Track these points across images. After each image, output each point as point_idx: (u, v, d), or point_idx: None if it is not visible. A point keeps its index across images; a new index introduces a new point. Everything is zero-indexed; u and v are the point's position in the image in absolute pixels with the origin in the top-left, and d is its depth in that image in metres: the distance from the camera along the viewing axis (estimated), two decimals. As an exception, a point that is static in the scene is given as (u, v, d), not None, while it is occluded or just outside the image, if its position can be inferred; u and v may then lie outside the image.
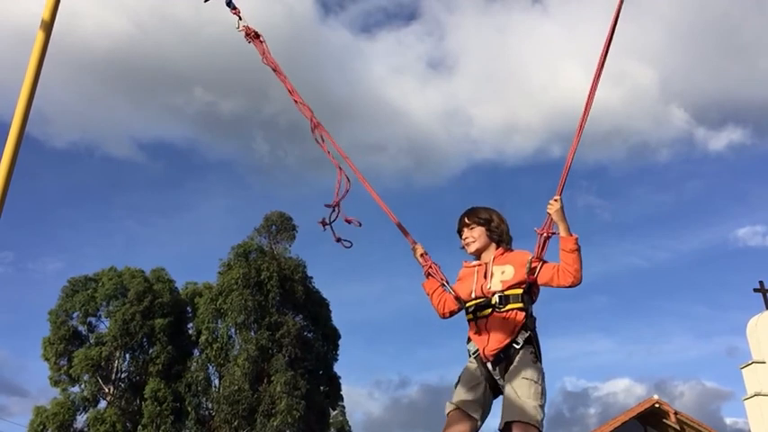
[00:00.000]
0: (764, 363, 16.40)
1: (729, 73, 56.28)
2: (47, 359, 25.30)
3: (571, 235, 3.44)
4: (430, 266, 3.74)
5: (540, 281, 3.52)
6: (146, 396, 24.42)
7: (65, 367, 25.07)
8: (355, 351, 54.09)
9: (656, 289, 59.37)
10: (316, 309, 27.51)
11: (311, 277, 28.11)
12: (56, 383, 25.22)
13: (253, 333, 25.59)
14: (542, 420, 3.25)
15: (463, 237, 3.79)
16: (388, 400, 46.76)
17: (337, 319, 28.41)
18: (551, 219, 3.49)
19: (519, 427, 3.20)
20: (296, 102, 4.10)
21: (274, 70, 4.15)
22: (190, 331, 27.02)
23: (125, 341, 25.09)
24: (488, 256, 3.68)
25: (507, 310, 3.44)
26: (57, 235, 49.40)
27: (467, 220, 3.78)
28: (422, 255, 3.78)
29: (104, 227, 47.74)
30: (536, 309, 3.59)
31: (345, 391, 28.75)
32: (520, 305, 3.45)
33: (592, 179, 56.23)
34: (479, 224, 3.74)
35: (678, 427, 18.67)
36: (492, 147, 62.38)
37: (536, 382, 3.31)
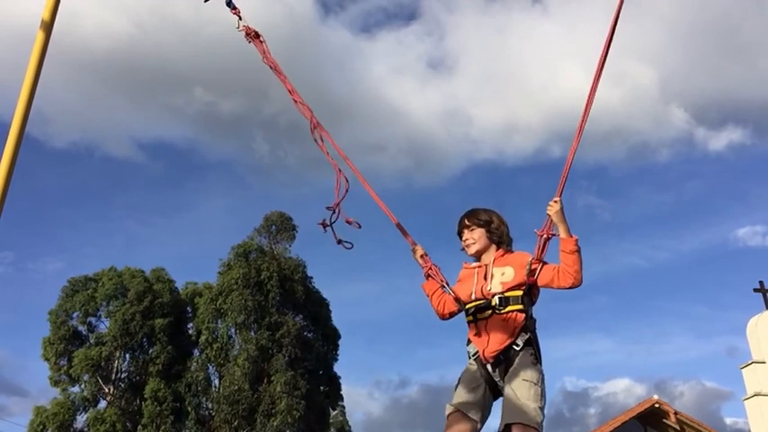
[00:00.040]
0: (764, 363, 16.40)
1: (729, 73, 56.33)
2: (47, 359, 25.31)
3: (571, 236, 3.43)
4: (430, 268, 3.74)
5: (540, 282, 3.51)
6: (146, 396, 24.42)
7: (65, 367, 25.07)
8: (355, 351, 54.13)
9: (656, 289, 59.42)
10: (316, 309, 27.51)
11: (311, 277, 28.16)
12: (56, 383, 25.22)
13: (253, 333, 25.59)
14: (542, 422, 3.25)
15: (463, 238, 3.78)
16: (388, 400, 46.80)
17: (337, 319, 28.46)
18: (551, 220, 3.48)
19: (519, 429, 3.20)
20: (295, 101, 4.10)
21: (274, 70, 4.14)
22: (190, 331, 27.02)
23: (125, 341, 25.09)
24: (488, 257, 3.68)
25: (507, 312, 3.44)
26: (57, 235, 49.46)
27: (467, 222, 3.78)
28: (422, 256, 3.78)
29: (104, 227, 47.80)
30: (536, 309, 3.59)
31: (345, 391, 28.80)
32: (520, 307, 3.44)
33: (592, 179, 56.30)
34: (479, 226, 3.73)
35: (678, 427, 18.67)
36: (492, 147, 62.45)
37: (536, 384, 3.31)
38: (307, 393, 24.76)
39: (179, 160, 51.67)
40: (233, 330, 26.07)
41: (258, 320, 25.68)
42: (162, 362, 25.06)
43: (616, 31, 3.61)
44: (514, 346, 3.39)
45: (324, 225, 3.84)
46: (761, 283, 17.35)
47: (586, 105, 3.60)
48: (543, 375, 3.39)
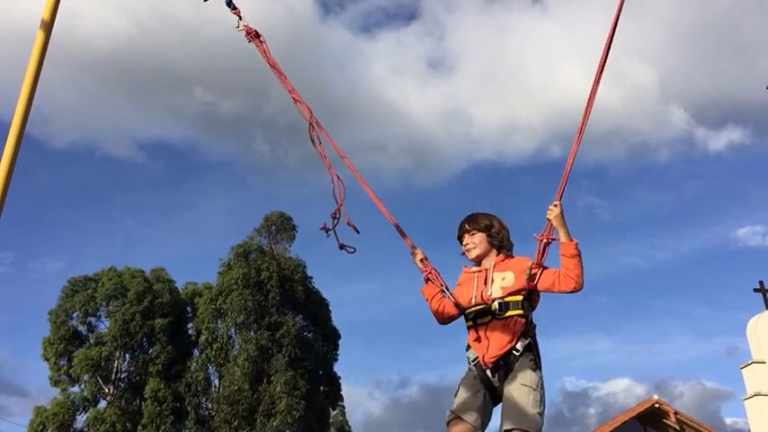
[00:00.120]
0: (764, 363, 16.40)
1: (729, 73, 56.34)
2: (47, 359, 25.30)
3: (571, 240, 3.41)
4: (429, 272, 3.71)
5: (540, 287, 3.49)
6: (146, 396, 24.41)
7: (65, 367, 25.06)
8: (355, 351, 54.15)
9: (656, 289, 59.47)
10: (316, 309, 27.50)
11: (311, 277, 28.15)
12: (56, 383, 25.22)
13: (253, 333, 25.58)
14: (542, 428, 3.25)
15: (464, 243, 3.76)
16: (388, 400, 46.83)
17: (337, 319, 28.45)
18: (551, 224, 3.46)
19: (518, 434, 3.19)
20: (295, 101, 4.09)
21: (273, 68, 4.14)
22: (190, 331, 27.01)
23: (125, 341, 25.08)
24: (489, 262, 3.66)
25: (507, 317, 3.42)
26: (57, 235, 49.49)
27: (467, 227, 3.76)
28: (421, 260, 3.76)
29: (104, 227, 47.81)
30: (536, 311, 3.57)
31: (345, 391, 28.80)
32: (520, 312, 3.42)
33: (592, 179, 56.35)
34: (480, 230, 3.71)
35: (678, 427, 18.67)
36: (492, 147, 62.49)
37: (535, 390, 3.30)
38: (307, 393, 24.76)
39: (179, 160, 51.75)
40: (233, 330, 26.07)
41: (258, 320, 25.67)
42: (162, 362, 25.05)
43: (616, 32, 3.60)
44: (514, 352, 3.37)
45: (326, 230, 3.83)
46: (761, 283, 17.35)
47: (586, 108, 3.59)
48: (543, 380, 3.38)
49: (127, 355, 26.02)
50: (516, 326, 3.40)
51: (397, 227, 3.86)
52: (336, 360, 27.94)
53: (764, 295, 17.14)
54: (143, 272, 27.14)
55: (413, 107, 58.84)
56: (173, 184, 53.64)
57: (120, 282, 26.48)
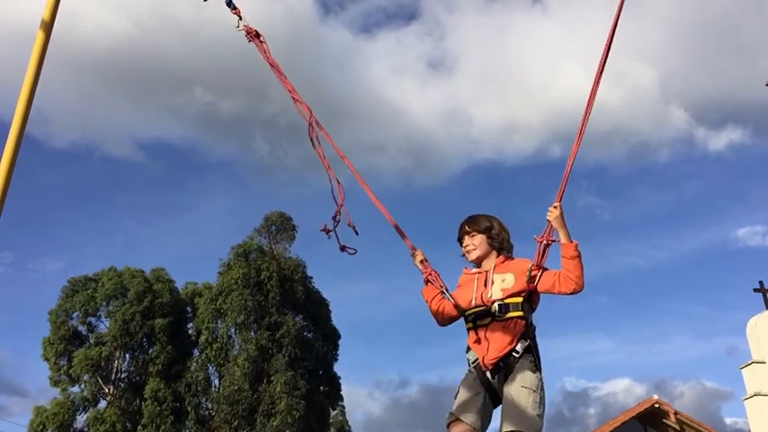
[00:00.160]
0: (764, 363, 16.39)
1: (729, 73, 56.36)
2: (47, 359, 25.30)
3: (571, 241, 3.41)
4: (429, 273, 3.70)
5: (540, 288, 3.48)
6: (146, 396, 24.41)
7: (65, 367, 25.06)
8: (355, 351, 54.17)
9: (656, 289, 59.49)
10: (316, 309, 27.50)
11: (311, 277, 28.15)
12: (56, 383, 25.22)
13: (253, 333, 25.58)
14: (542, 429, 3.25)
15: (464, 245, 3.76)
16: (388, 400, 46.86)
17: (337, 319, 28.46)
18: (551, 226, 3.45)
19: (518, 436, 3.19)
20: (295, 101, 4.08)
21: (273, 68, 4.14)
22: (190, 331, 27.01)
23: (125, 341, 25.08)
24: (489, 263, 3.65)
25: (507, 319, 3.42)
26: (57, 235, 49.51)
27: (467, 228, 3.75)
28: (421, 261, 3.75)
29: (104, 227, 47.83)
30: (536, 312, 3.56)
31: (345, 391, 28.81)
32: (520, 314, 3.42)
33: (592, 179, 56.35)
34: (480, 232, 3.71)
35: (678, 428, 18.67)
36: (492, 147, 62.51)
37: (535, 391, 3.30)
38: (307, 393, 24.76)
39: (179, 160, 51.78)
40: (233, 330, 26.07)
41: (258, 320, 25.67)
42: (162, 362, 25.05)
43: (616, 32, 3.60)
44: (514, 353, 3.37)
45: (326, 231, 3.83)
46: (761, 283, 17.35)
47: (586, 108, 3.58)
48: (543, 382, 3.38)
49: (127, 355, 26.03)
50: (516, 327, 3.40)
51: (397, 228, 3.85)
52: (336, 360, 27.98)
53: (764, 295, 17.13)
54: (143, 272, 27.14)
55: (413, 107, 58.90)
56: (173, 184, 53.71)
57: (120, 282, 26.48)
